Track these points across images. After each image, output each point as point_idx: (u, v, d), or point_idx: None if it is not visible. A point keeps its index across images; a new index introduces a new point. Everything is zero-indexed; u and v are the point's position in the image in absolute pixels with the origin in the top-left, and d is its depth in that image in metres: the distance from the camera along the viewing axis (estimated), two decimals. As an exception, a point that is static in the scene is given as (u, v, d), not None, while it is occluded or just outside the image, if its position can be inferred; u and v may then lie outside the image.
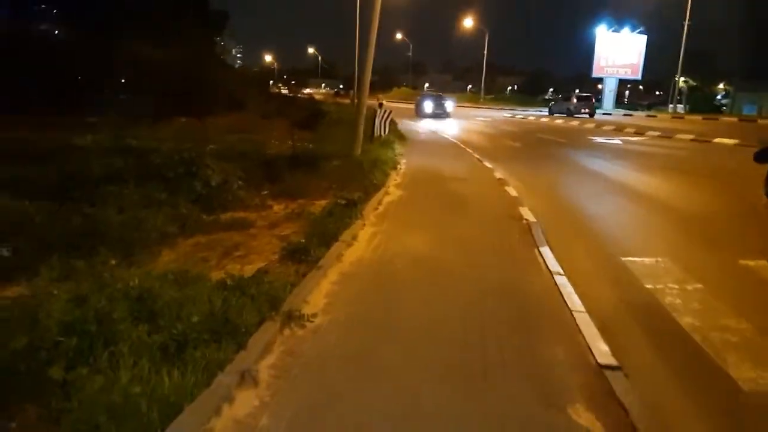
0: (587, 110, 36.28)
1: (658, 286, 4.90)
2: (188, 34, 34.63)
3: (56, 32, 29.82)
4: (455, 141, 18.73)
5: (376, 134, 12.96)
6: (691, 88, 57.61)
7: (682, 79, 60.79)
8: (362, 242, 5.78)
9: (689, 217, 7.82)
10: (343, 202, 7.61)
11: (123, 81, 29.72)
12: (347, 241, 5.60)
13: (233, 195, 8.28)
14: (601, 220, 7.60)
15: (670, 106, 60.85)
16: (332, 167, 10.61)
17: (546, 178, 11.32)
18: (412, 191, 8.90)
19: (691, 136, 19.82)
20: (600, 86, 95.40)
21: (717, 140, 18.63)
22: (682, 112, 49.59)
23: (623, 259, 5.75)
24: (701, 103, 52.57)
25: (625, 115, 40.47)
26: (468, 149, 16.07)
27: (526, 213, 7.51)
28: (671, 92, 63.51)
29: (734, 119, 32.37)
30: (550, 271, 5.19)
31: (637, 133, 22.53)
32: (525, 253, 5.84)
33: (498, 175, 11.02)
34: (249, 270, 5.24)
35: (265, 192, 9.31)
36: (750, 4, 45.61)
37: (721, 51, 55.29)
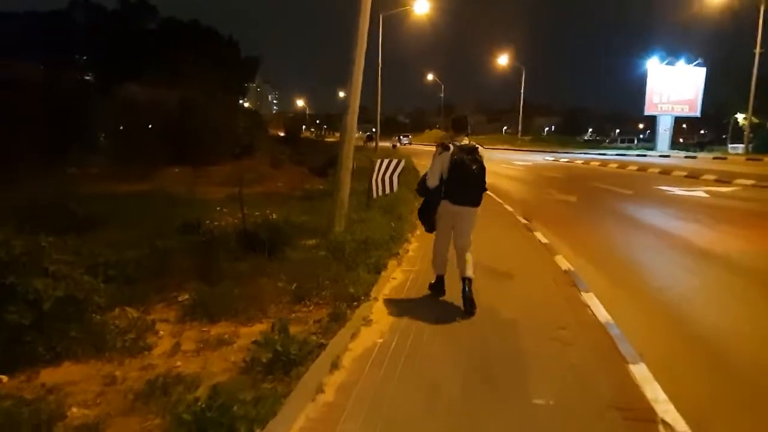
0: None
1: None
2: (206, 79, 32.37)
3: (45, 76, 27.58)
4: (491, 194, 14.77)
5: (375, 195, 9.11)
6: (753, 126, 52.30)
7: (742, 116, 55.81)
8: None
9: None
10: (268, 356, 3.75)
11: (121, 127, 27.12)
12: None
13: (85, 323, 4.55)
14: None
15: (731, 146, 55.63)
16: (299, 253, 6.84)
17: (643, 267, 7.24)
18: (417, 314, 4.92)
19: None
20: (641, 125, 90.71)
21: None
22: (743, 152, 44.48)
23: None
24: (766, 142, 47.22)
25: (686, 157, 35.77)
26: (508, 207, 12.10)
27: (647, 383, 3.47)
28: (730, 130, 58.39)
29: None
30: None
31: (721, 182, 18.14)
32: None
33: (562, 261, 7.02)
34: None
35: (184, 297, 5.67)
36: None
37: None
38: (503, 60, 57.41)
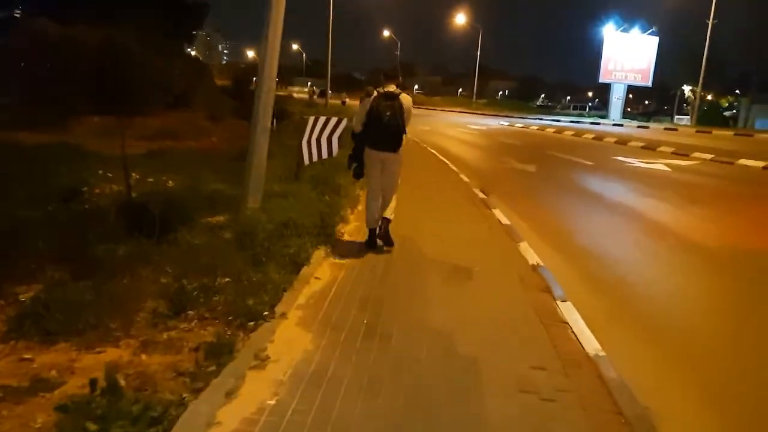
0: None
1: None
2: (142, 21, 29.27)
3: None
4: (446, 162, 13.45)
5: (307, 161, 7.51)
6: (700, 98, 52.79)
7: (689, 88, 56.28)
8: None
9: None
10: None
11: (36, 70, 24.01)
12: None
13: None
14: None
15: (677, 117, 56.27)
16: (198, 235, 5.28)
17: (621, 262, 6.08)
18: (338, 346, 3.50)
19: (763, 163, 14.69)
20: (590, 93, 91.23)
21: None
22: (689, 124, 44.92)
23: None
24: (710, 115, 47.75)
25: (639, 126, 35.42)
26: (464, 177, 10.81)
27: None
28: (677, 101, 59.12)
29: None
30: None
31: (678, 154, 17.42)
32: None
33: (528, 250, 5.77)
34: None
35: (28, 296, 4.16)
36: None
37: (731, 60, 50.07)
38: (461, 19, 55.56)
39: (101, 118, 19.62)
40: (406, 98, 5.16)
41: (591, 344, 3.59)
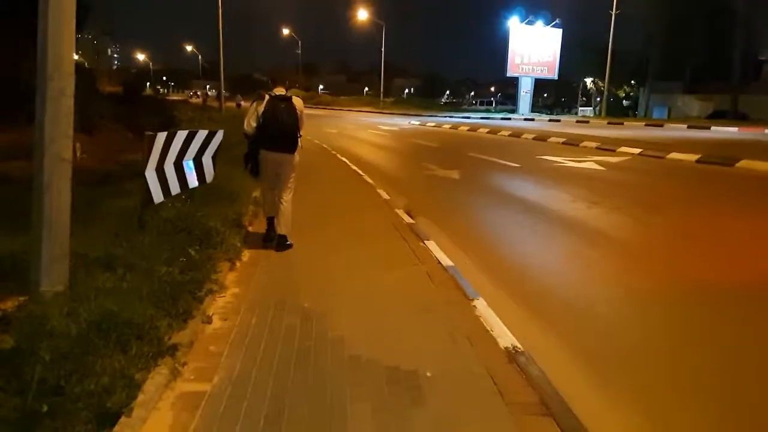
0: None
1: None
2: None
3: None
4: (359, 172, 11.51)
5: (161, 197, 5.10)
6: (601, 90, 54.33)
7: (590, 79, 57.85)
8: None
9: None
10: None
11: None
12: None
13: None
14: None
15: (580, 109, 57.77)
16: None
17: (632, 334, 4.40)
18: None
19: (694, 156, 13.91)
20: (492, 89, 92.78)
21: (743, 163, 12.80)
22: (593, 115, 46.01)
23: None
24: (612, 105, 49.08)
25: (550, 120, 35.28)
26: (383, 193, 8.93)
27: None
28: (580, 93, 60.81)
29: (682, 125, 27.92)
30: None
31: (604, 150, 16.52)
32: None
33: (492, 319, 3.91)
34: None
35: None
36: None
37: (628, 49, 51.35)
38: (362, 15, 53.85)
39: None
40: (297, 100, 5.29)
41: None
